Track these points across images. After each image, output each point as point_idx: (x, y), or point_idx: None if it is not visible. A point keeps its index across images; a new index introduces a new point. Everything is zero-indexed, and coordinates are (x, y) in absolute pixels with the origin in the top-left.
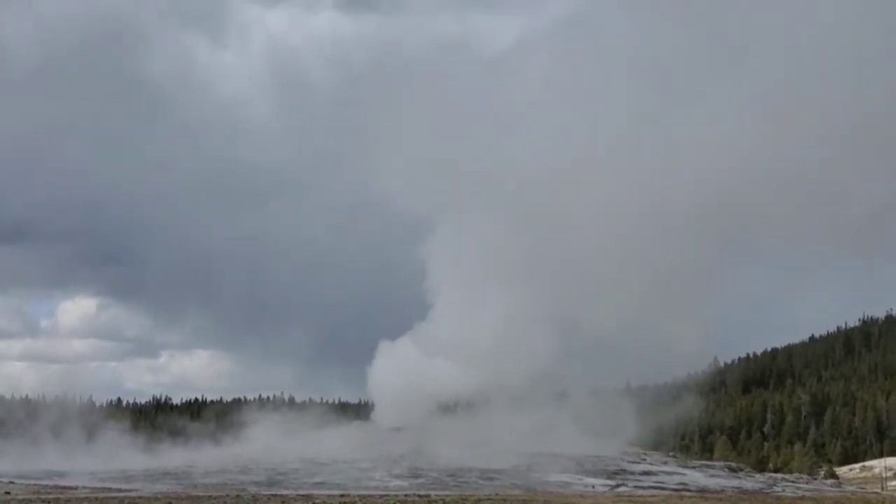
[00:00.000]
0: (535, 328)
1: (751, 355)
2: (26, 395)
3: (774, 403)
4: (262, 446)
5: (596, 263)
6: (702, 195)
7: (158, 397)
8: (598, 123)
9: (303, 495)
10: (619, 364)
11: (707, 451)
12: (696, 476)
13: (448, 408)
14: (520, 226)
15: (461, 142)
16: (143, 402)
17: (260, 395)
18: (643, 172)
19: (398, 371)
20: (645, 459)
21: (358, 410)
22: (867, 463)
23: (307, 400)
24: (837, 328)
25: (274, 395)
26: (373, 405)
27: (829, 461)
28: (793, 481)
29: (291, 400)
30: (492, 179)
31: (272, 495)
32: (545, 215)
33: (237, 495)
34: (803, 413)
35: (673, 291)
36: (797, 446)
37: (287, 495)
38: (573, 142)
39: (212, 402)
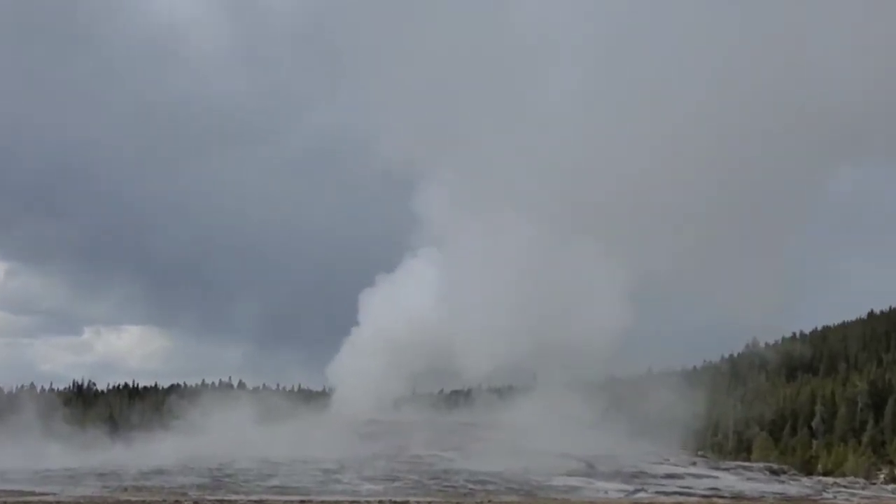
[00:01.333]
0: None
1: (797, 335)
2: None
3: (825, 393)
4: (206, 442)
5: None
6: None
7: (80, 382)
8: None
9: (255, 501)
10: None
11: (744, 451)
12: (731, 479)
13: (434, 397)
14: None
15: (461, 69)
16: (61, 387)
17: (203, 381)
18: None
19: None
20: (668, 460)
21: (321, 399)
22: None
23: (260, 386)
24: None
25: (220, 381)
26: (337, 393)
27: (891, 462)
28: (846, 486)
29: (241, 386)
30: (505, 114)
31: (218, 501)
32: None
33: (175, 501)
34: (860, 405)
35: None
36: (852, 445)
37: (235, 501)
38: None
39: (145, 388)
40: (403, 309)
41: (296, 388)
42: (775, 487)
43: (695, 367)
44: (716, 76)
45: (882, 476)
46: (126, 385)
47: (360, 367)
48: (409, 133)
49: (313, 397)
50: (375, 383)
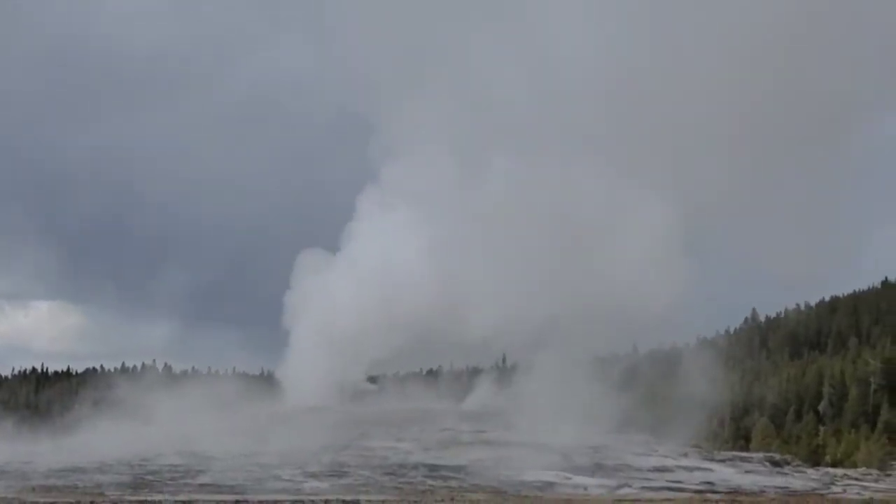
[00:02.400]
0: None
1: (801, 306)
2: None
3: (833, 373)
4: (126, 434)
5: None
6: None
7: None
8: None
9: (181, 501)
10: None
11: (741, 439)
12: (727, 472)
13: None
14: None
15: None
16: None
17: (123, 364)
18: None
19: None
20: (657, 451)
21: (261, 385)
22: None
23: (189, 370)
24: None
25: (143, 364)
26: (281, 378)
27: None
28: (858, 479)
29: (167, 370)
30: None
31: (139, 501)
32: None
33: (91, 502)
34: (873, 386)
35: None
36: (864, 431)
37: (160, 502)
38: None
39: (57, 372)
40: (370, 275)
41: (231, 372)
42: (777, 481)
43: (687, 345)
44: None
45: None
46: (34, 369)
47: (310, 348)
48: (367, 71)
49: (252, 382)
50: (328, 367)
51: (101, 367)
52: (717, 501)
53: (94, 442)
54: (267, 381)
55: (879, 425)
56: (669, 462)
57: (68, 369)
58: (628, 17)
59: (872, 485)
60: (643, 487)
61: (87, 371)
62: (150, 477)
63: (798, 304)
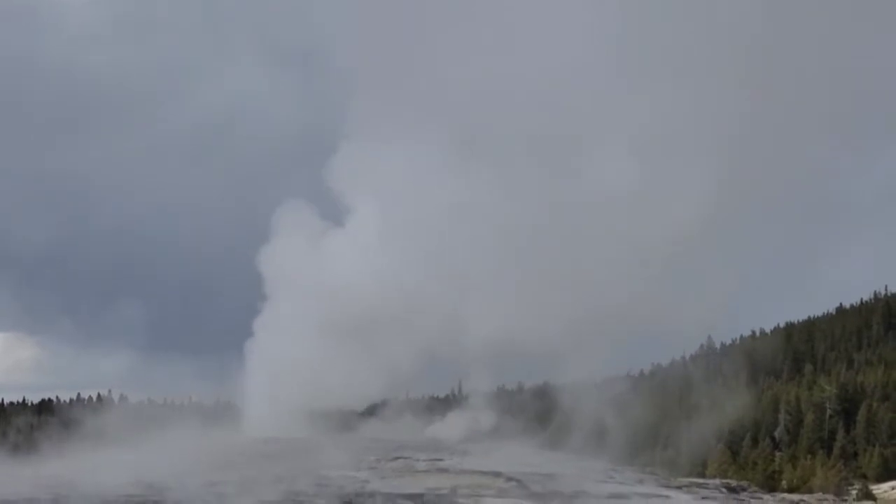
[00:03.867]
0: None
1: (757, 333)
2: None
3: (789, 399)
4: (81, 464)
5: None
6: None
7: None
8: None
9: None
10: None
11: (699, 466)
12: (684, 499)
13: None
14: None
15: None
16: None
17: (79, 395)
18: None
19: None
20: (613, 478)
21: (218, 415)
22: None
23: (145, 400)
24: (875, 295)
25: (99, 395)
26: (238, 407)
27: (864, 476)
28: None
29: (123, 400)
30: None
31: None
32: None
33: None
34: (828, 411)
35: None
36: (820, 457)
37: None
38: None
39: (11, 404)
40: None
41: (187, 402)
42: None
43: (642, 372)
44: None
45: (854, 492)
46: None
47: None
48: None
49: (209, 412)
50: (284, 396)
51: (57, 398)
52: None
53: (48, 472)
54: (224, 410)
55: (835, 451)
56: (626, 489)
57: (23, 400)
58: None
59: None
60: None
61: (42, 402)
62: None
63: (753, 331)
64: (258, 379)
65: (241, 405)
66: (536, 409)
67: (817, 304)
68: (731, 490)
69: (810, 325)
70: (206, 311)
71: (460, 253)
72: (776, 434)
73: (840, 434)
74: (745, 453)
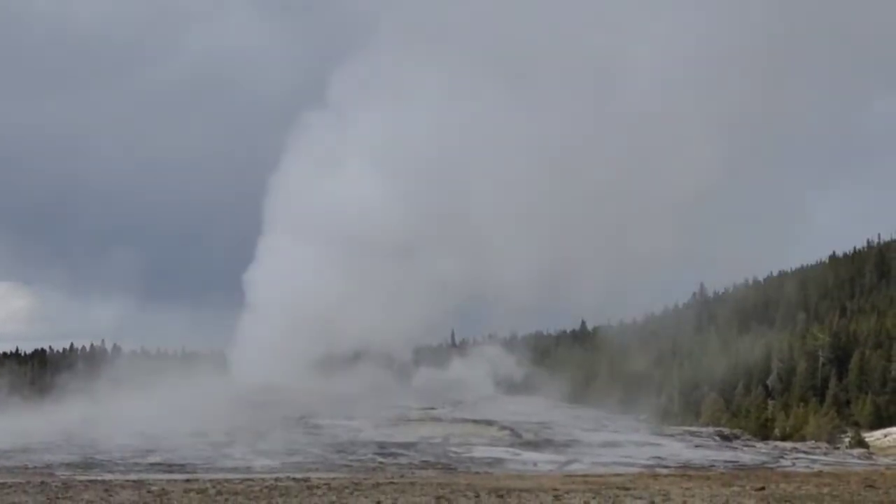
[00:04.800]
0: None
1: (749, 281)
2: None
3: (781, 347)
4: (76, 415)
5: None
6: None
7: None
8: None
9: (133, 481)
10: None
11: (692, 414)
12: (676, 447)
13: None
14: None
15: None
16: None
17: (72, 345)
18: None
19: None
20: (606, 426)
21: (211, 364)
22: None
23: (138, 350)
24: (868, 243)
25: (92, 345)
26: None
27: (857, 424)
28: (806, 452)
29: (116, 350)
30: None
31: (90, 481)
32: None
33: (42, 482)
34: (821, 360)
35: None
36: (812, 405)
37: (111, 481)
38: None
39: (4, 354)
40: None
41: (180, 352)
42: (726, 455)
43: (634, 321)
44: None
45: (847, 440)
46: None
47: (262, 325)
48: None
49: (202, 361)
50: (279, 343)
51: (50, 347)
52: (666, 476)
53: (42, 423)
54: (217, 359)
55: (828, 399)
56: (619, 437)
57: (16, 350)
58: None
59: (821, 458)
60: (593, 462)
61: (35, 352)
62: (100, 457)
63: (746, 279)
64: (253, 325)
65: (233, 353)
66: (531, 358)
67: (809, 252)
68: (724, 438)
69: (803, 274)
70: (200, 262)
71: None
72: (769, 382)
73: (832, 382)
74: (738, 401)
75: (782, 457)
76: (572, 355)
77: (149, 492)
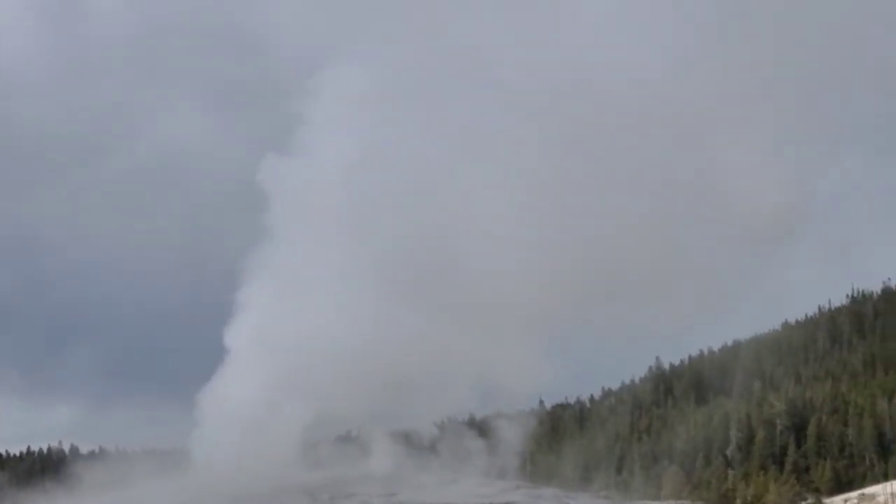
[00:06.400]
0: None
1: (705, 352)
2: None
3: (739, 416)
4: None
5: None
6: None
7: None
8: None
9: None
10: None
11: (653, 488)
12: None
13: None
14: None
15: None
16: None
17: (28, 448)
18: None
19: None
20: (569, 503)
21: (173, 462)
22: (867, 490)
23: (96, 450)
24: (819, 309)
25: (49, 447)
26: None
27: (817, 490)
28: None
29: (74, 451)
30: None
31: None
32: None
33: None
34: (779, 427)
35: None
36: (773, 473)
37: None
38: None
39: None
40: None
41: (140, 451)
42: None
43: (592, 397)
44: None
45: None
46: None
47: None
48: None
49: (162, 458)
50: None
51: (5, 451)
52: None
53: None
54: (178, 456)
55: (787, 466)
56: None
57: None
58: None
59: None
60: None
61: None
62: None
63: (701, 350)
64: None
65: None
66: (481, 441)
67: (763, 320)
68: None
69: (756, 342)
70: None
71: None
72: (728, 452)
73: (791, 449)
74: (699, 473)
75: None
76: (531, 434)
77: None
